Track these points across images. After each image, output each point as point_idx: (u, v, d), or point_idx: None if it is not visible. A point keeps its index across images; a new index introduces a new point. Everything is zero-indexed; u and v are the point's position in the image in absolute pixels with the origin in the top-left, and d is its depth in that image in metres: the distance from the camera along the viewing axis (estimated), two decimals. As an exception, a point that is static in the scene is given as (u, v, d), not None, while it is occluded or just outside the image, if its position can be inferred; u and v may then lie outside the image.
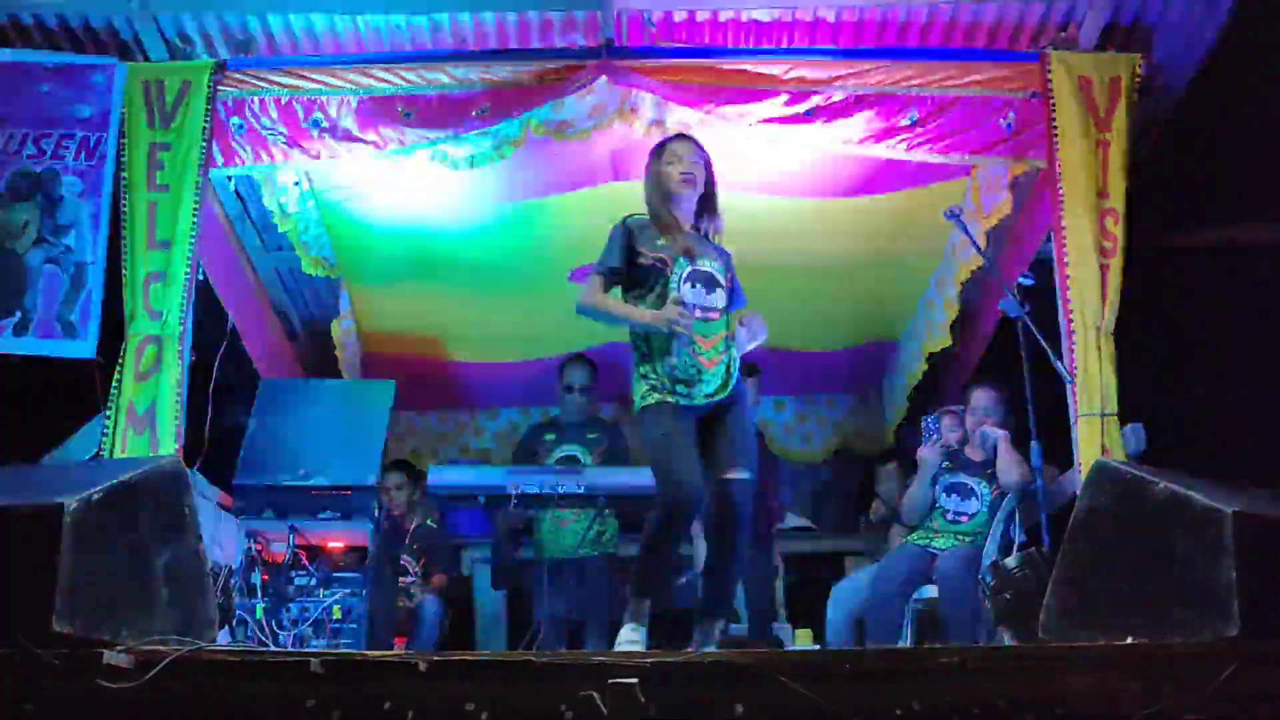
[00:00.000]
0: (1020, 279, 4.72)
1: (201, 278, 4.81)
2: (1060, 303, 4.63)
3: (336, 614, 4.42)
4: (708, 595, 3.94)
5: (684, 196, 3.98)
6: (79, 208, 4.75)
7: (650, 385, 3.82)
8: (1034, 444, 4.36)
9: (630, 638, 3.70)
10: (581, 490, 4.86)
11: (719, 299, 3.90)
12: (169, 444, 4.44)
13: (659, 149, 4.08)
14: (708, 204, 4.05)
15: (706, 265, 3.91)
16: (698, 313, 3.82)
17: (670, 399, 3.78)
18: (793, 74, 4.80)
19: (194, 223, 4.69)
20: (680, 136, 4.16)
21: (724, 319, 3.93)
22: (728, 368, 3.87)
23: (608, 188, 5.41)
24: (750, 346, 4.04)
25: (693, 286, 3.85)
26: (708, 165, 4.04)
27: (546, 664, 2.58)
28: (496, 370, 7.05)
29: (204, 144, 4.74)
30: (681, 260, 3.87)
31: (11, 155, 4.77)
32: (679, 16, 4.88)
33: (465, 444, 7.42)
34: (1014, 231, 5.52)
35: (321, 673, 2.52)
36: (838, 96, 4.80)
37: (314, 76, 4.84)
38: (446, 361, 6.97)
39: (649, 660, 2.56)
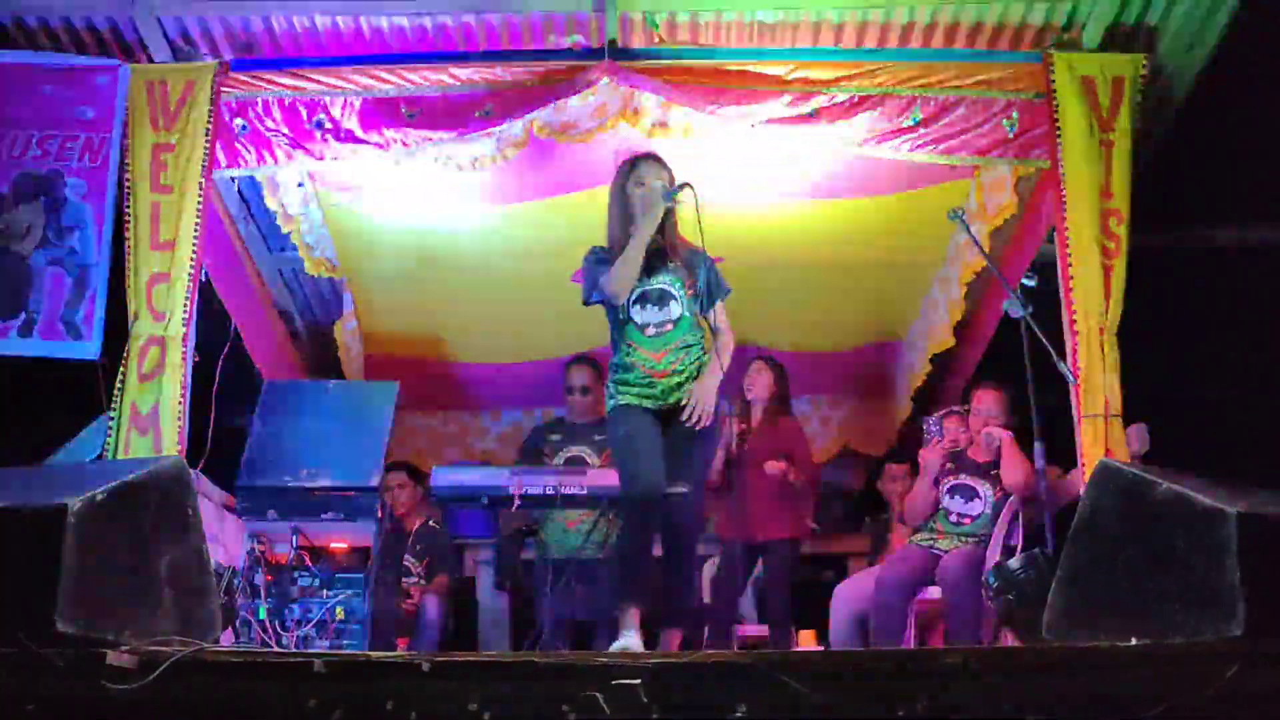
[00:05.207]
0: (1023, 280, 4.72)
1: (204, 279, 4.81)
2: (1064, 303, 4.62)
3: (339, 615, 4.42)
4: (665, 605, 4.05)
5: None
6: (83, 209, 4.76)
7: (615, 388, 4.10)
8: (1037, 445, 4.35)
9: (625, 646, 3.74)
10: (585, 491, 4.85)
11: (673, 311, 4.09)
12: (172, 445, 4.45)
13: (628, 168, 4.21)
14: (668, 218, 4.15)
15: (656, 283, 4.09)
16: (650, 330, 4.06)
17: (633, 400, 4.05)
18: (796, 75, 4.81)
19: (197, 224, 4.70)
20: (648, 157, 4.24)
21: (682, 324, 4.08)
22: (685, 375, 4.05)
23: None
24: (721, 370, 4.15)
25: (642, 307, 4.09)
26: (671, 181, 4.16)
27: (549, 665, 2.58)
28: (500, 371, 7.04)
29: (207, 145, 4.75)
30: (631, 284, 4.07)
31: (15, 157, 4.78)
32: (682, 18, 4.89)
33: (468, 445, 7.40)
34: (1017, 232, 5.52)
35: (324, 673, 2.52)
36: (841, 97, 4.80)
37: (317, 78, 4.84)
38: (449, 362, 6.97)
39: (652, 661, 2.56)
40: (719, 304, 4.17)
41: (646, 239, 4.03)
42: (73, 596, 2.52)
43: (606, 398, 4.18)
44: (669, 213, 4.14)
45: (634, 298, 4.08)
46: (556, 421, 5.85)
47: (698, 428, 3.99)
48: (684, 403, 4.01)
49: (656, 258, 4.12)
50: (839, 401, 7.50)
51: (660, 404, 4.05)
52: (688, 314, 4.08)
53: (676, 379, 4.05)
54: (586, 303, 4.20)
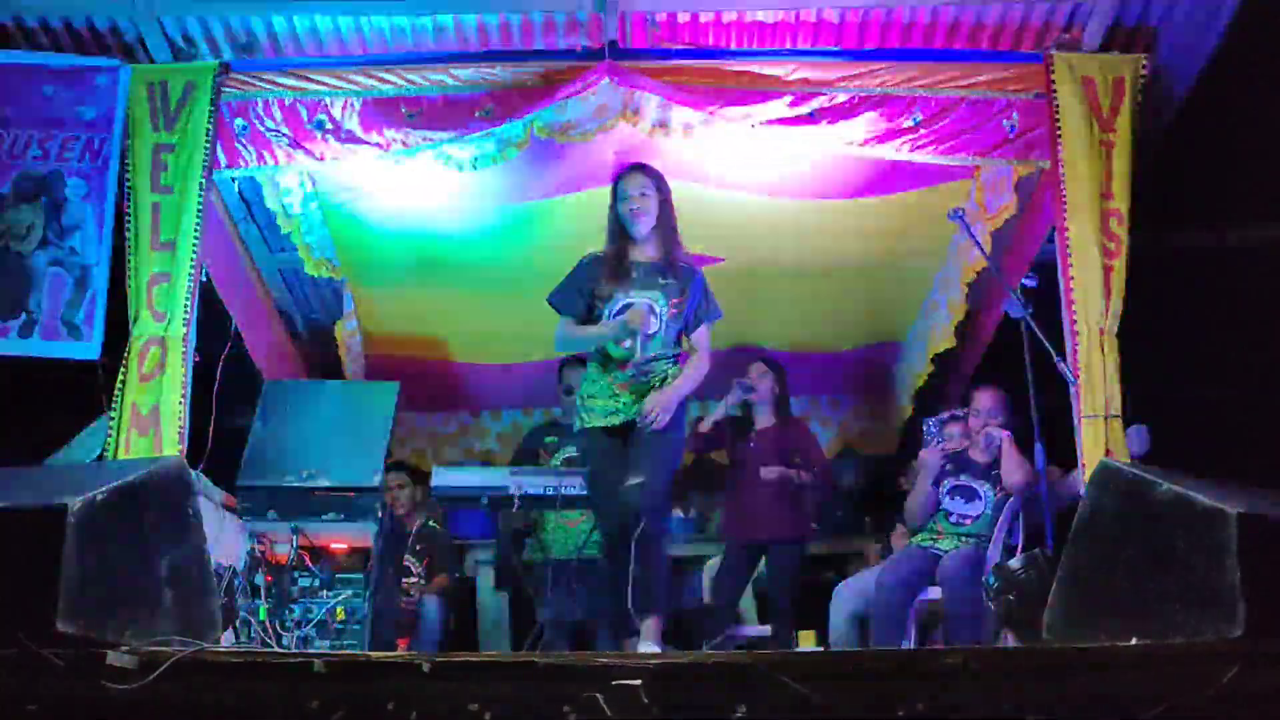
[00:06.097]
0: (1024, 280, 4.72)
1: (205, 279, 4.81)
2: (1064, 304, 4.62)
3: (340, 615, 4.42)
4: (633, 594, 4.07)
5: (636, 230, 4.20)
6: (83, 210, 4.76)
7: (580, 404, 4.22)
8: (1037, 445, 4.36)
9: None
10: (585, 491, 4.85)
11: (650, 326, 4.15)
12: (172, 445, 4.45)
13: (613, 184, 4.28)
14: (662, 231, 4.21)
15: (637, 298, 4.15)
16: (626, 343, 4.13)
17: (597, 422, 4.15)
18: (797, 75, 4.81)
19: (198, 224, 4.70)
20: (633, 168, 4.30)
21: (655, 341, 4.15)
22: (649, 386, 4.12)
23: (611, 189, 5.42)
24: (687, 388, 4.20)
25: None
26: (661, 191, 4.22)
27: (550, 665, 2.58)
28: (500, 371, 7.05)
29: (208, 145, 4.75)
30: (613, 298, 4.17)
31: (16, 157, 4.78)
32: (683, 17, 4.88)
33: (468, 445, 7.42)
34: (1018, 233, 5.52)
35: (325, 674, 2.52)
36: (841, 98, 4.81)
37: (318, 78, 4.85)
38: (450, 362, 6.97)
39: (652, 662, 2.56)
40: (705, 326, 4.21)
41: (601, 343, 4.14)
42: (73, 597, 2.52)
43: (576, 412, 4.25)
44: (670, 229, 4.17)
45: (615, 310, 4.13)
46: (551, 424, 5.84)
47: (652, 428, 4.03)
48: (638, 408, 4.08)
49: (647, 272, 4.13)
50: (839, 401, 7.51)
51: (625, 417, 4.11)
52: (663, 333, 4.14)
53: (642, 388, 4.10)
54: (549, 302, 4.28)
